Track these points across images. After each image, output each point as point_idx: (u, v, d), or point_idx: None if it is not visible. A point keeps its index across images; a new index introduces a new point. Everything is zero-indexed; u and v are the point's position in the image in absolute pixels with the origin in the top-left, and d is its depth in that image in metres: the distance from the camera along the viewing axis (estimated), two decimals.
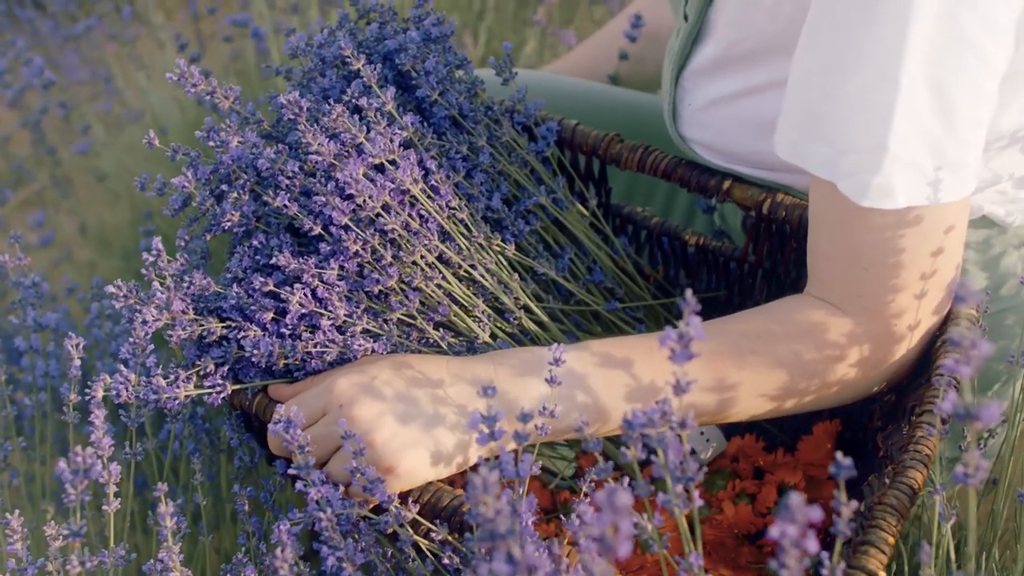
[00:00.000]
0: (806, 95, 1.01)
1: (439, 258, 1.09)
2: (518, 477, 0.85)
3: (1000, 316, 1.24)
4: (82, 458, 0.82)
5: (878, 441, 1.11)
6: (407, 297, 1.07)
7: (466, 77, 1.19)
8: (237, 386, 1.07)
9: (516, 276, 1.14)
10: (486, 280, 1.11)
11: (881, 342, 1.03)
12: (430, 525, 0.96)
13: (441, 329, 1.10)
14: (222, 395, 1.06)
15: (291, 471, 0.95)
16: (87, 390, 1.02)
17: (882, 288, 1.01)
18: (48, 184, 2.47)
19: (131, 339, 1.05)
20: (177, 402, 1.03)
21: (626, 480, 0.85)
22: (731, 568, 1.10)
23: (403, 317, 1.08)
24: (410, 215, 1.06)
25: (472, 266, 1.11)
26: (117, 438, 1.51)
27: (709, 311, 1.31)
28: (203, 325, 1.05)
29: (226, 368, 1.06)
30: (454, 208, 1.10)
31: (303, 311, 1.04)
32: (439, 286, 1.09)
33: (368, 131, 1.06)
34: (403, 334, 1.08)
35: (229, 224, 1.07)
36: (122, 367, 1.04)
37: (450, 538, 0.96)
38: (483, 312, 1.10)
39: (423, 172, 1.09)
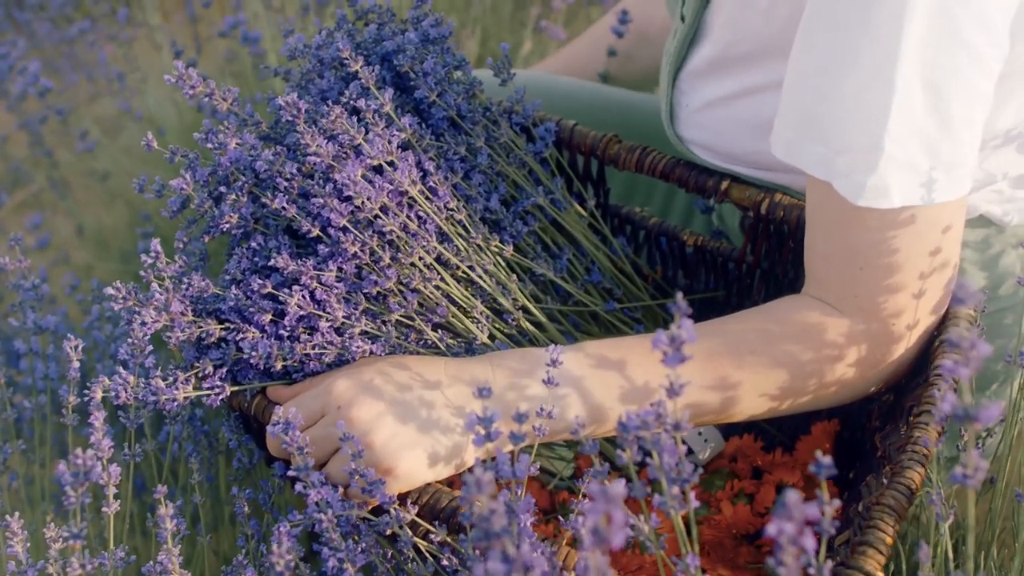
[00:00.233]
0: (801, 96, 1.01)
1: (437, 259, 1.10)
2: (515, 478, 0.85)
3: (998, 315, 1.24)
4: (82, 460, 0.82)
5: (876, 441, 1.11)
6: (405, 298, 1.07)
7: (464, 78, 1.19)
8: (236, 388, 1.07)
9: (514, 277, 1.14)
10: (484, 281, 1.12)
11: (879, 342, 1.03)
12: (429, 526, 0.96)
13: (439, 330, 1.10)
14: (221, 397, 1.06)
15: (291, 472, 0.95)
16: (86, 392, 1.02)
17: (878, 288, 1.01)
18: (45, 186, 2.47)
19: (130, 340, 1.05)
20: (176, 404, 1.03)
21: (623, 481, 0.85)
22: (730, 568, 1.10)
23: (401, 318, 1.08)
24: (408, 216, 1.07)
25: (470, 267, 1.11)
26: (115, 440, 1.51)
27: (707, 311, 1.32)
28: (202, 327, 1.05)
29: (225, 370, 1.06)
30: (452, 209, 1.10)
31: (301, 313, 1.04)
32: (437, 287, 1.09)
33: (366, 132, 1.06)
34: (401, 335, 1.08)
35: (227, 226, 1.08)
36: (121, 369, 1.04)
37: (449, 539, 0.96)
38: (481, 313, 1.11)
39: (421, 173, 1.09)
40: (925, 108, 0.94)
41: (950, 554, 0.93)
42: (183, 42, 2.35)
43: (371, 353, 1.06)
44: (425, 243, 1.07)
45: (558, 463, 1.21)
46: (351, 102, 1.08)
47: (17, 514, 0.96)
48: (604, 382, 1.01)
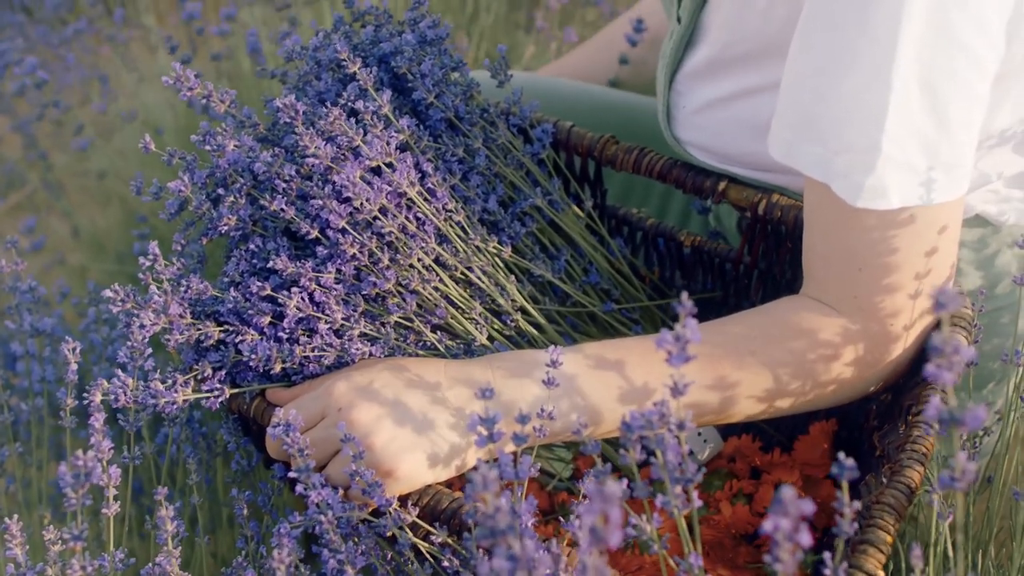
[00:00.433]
0: (799, 96, 1.01)
1: (436, 260, 1.10)
2: (517, 478, 0.85)
3: (995, 315, 1.24)
4: (83, 462, 0.82)
5: (875, 440, 1.11)
6: (404, 300, 1.07)
7: (462, 79, 1.19)
8: (235, 390, 1.07)
9: (513, 278, 1.14)
10: (483, 282, 1.12)
11: (877, 342, 1.03)
12: (429, 528, 0.96)
13: (438, 332, 1.10)
14: (220, 399, 1.06)
15: (291, 474, 0.95)
16: (84, 395, 1.02)
17: (877, 288, 1.01)
18: (39, 188, 2.47)
19: (129, 343, 1.05)
20: (175, 406, 1.03)
21: (624, 481, 0.85)
22: (729, 568, 1.11)
23: (400, 320, 1.08)
24: (407, 218, 1.07)
25: (469, 268, 1.11)
26: (113, 442, 1.50)
27: (705, 312, 1.32)
28: (200, 329, 1.05)
29: (224, 372, 1.06)
30: (451, 211, 1.10)
31: (300, 315, 1.04)
32: (436, 289, 1.09)
33: (365, 134, 1.06)
34: (400, 337, 1.08)
35: (226, 228, 1.07)
36: (119, 372, 1.04)
37: (449, 540, 0.96)
38: (480, 314, 1.11)
39: (420, 175, 1.09)
40: (922, 109, 0.95)
41: (950, 553, 0.93)
42: (177, 44, 2.34)
43: (370, 355, 1.06)
44: (424, 244, 1.07)
45: (557, 464, 1.22)
46: (349, 103, 1.08)
47: (16, 517, 0.96)
48: (603, 383, 1.01)
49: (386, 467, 0.96)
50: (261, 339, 1.05)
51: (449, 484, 1.06)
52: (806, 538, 0.63)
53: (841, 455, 0.74)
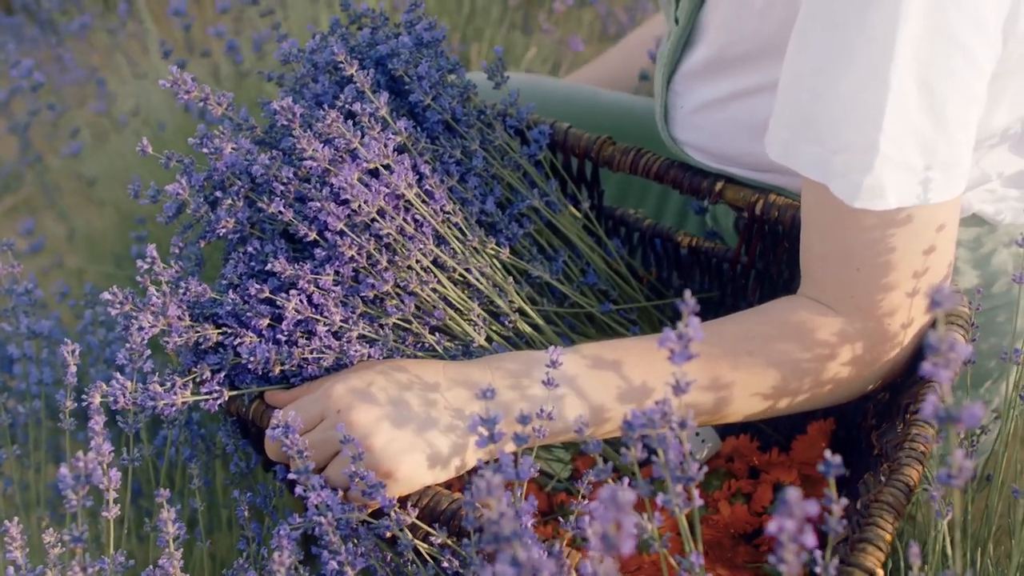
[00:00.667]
0: (797, 96, 1.01)
1: (434, 262, 1.10)
2: (518, 479, 0.85)
3: (991, 314, 1.24)
4: (83, 464, 0.82)
5: (872, 439, 1.11)
6: (403, 301, 1.07)
7: (458, 81, 1.19)
8: (234, 392, 1.07)
9: (511, 279, 1.14)
10: (481, 283, 1.12)
11: (875, 341, 1.03)
12: (429, 529, 0.97)
13: (437, 333, 1.10)
14: (219, 402, 1.06)
15: (291, 476, 0.96)
16: (83, 397, 1.02)
17: (875, 287, 1.01)
18: (35, 190, 2.47)
19: (127, 345, 1.05)
20: (174, 409, 1.03)
21: (625, 481, 0.85)
22: (728, 567, 1.11)
23: (399, 322, 1.08)
24: (405, 220, 1.07)
25: (467, 270, 1.11)
26: (112, 444, 1.51)
27: (702, 312, 1.31)
28: (199, 332, 1.05)
29: (222, 375, 1.06)
30: (448, 212, 1.11)
31: (299, 317, 1.04)
32: (434, 290, 1.09)
33: (362, 136, 1.06)
34: (399, 339, 1.09)
35: (224, 230, 1.08)
36: (118, 374, 1.04)
37: (449, 542, 0.96)
38: (478, 315, 1.11)
39: (417, 177, 1.09)
40: (920, 108, 0.95)
41: (949, 551, 0.93)
42: (173, 45, 2.33)
43: (369, 357, 1.06)
44: (422, 246, 1.07)
45: (555, 465, 1.22)
46: (346, 106, 1.08)
47: (16, 519, 0.96)
48: (603, 383, 1.01)
49: (385, 468, 0.97)
50: (260, 341, 1.05)
51: (448, 485, 1.07)
52: (810, 539, 0.63)
53: (828, 453, 0.75)
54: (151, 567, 0.96)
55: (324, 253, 1.06)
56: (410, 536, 0.96)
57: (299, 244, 1.11)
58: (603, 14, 2.69)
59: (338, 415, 0.98)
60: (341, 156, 1.04)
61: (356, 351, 1.05)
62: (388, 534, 0.96)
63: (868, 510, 0.91)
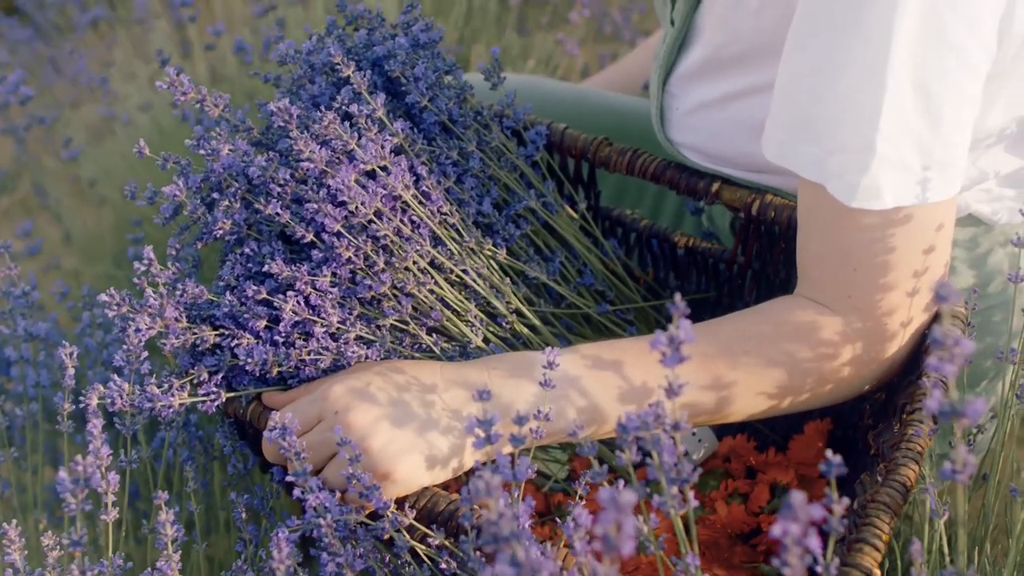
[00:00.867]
0: (793, 97, 1.01)
1: (431, 263, 1.10)
2: (515, 480, 0.85)
3: (988, 313, 1.25)
4: (83, 467, 0.82)
5: (869, 439, 1.12)
6: (400, 303, 1.07)
7: (455, 82, 1.19)
8: (231, 394, 1.08)
9: (507, 280, 1.14)
10: (478, 284, 1.12)
11: (873, 340, 1.03)
12: (426, 530, 0.97)
13: (434, 334, 1.10)
14: (217, 403, 1.06)
15: (289, 478, 0.96)
16: (81, 399, 1.02)
17: (872, 287, 1.01)
18: (31, 192, 2.47)
19: (125, 347, 1.05)
20: (172, 410, 1.03)
21: (621, 482, 0.85)
22: (725, 568, 1.11)
23: (396, 323, 1.08)
24: (402, 221, 1.07)
25: (464, 271, 1.11)
26: (109, 446, 1.50)
27: (699, 312, 1.32)
28: (196, 333, 1.05)
29: (220, 376, 1.07)
30: (445, 213, 1.11)
31: (296, 319, 1.04)
32: (431, 291, 1.09)
33: (359, 138, 1.06)
34: (396, 340, 1.09)
35: (221, 232, 1.08)
36: (115, 376, 1.04)
37: (447, 543, 0.96)
38: (475, 316, 1.11)
39: (414, 178, 1.09)
40: (916, 108, 0.95)
41: (945, 550, 0.93)
42: (168, 48, 2.34)
43: (366, 358, 1.06)
44: (419, 247, 1.08)
45: (552, 465, 1.22)
46: (343, 107, 1.09)
47: (15, 522, 0.96)
48: (600, 383, 1.01)
49: (383, 469, 0.97)
50: (257, 343, 1.05)
51: (445, 486, 1.07)
52: (814, 542, 0.63)
53: (829, 453, 0.75)
54: (149, 569, 0.96)
55: (321, 255, 1.06)
56: (407, 537, 0.96)
57: (296, 246, 1.11)
58: (598, 17, 2.69)
59: (336, 416, 0.99)
60: (338, 157, 1.05)
61: (353, 352, 1.05)
62: (386, 535, 0.96)
63: (865, 510, 0.91)
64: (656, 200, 1.54)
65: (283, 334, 1.05)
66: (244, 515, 1.12)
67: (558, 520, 0.99)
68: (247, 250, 1.08)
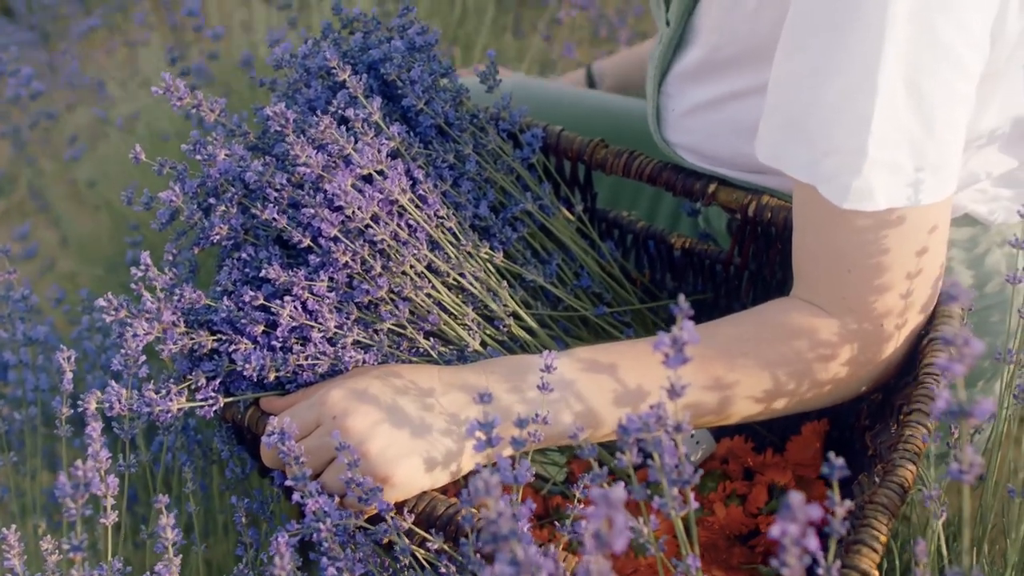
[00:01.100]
0: (786, 99, 1.01)
1: (428, 267, 1.10)
2: (516, 483, 0.85)
3: (985, 313, 1.25)
4: (82, 472, 0.82)
5: (866, 440, 1.12)
6: (397, 307, 1.07)
7: (451, 85, 1.19)
8: (229, 399, 1.08)
9: (504, 283, 1.14)
10: (475, 288, 1.12)
11: (869, 341, 1.03)
12: (425, 534, 0.97)
13: (431, 338, 1.10)
14: (214, 408, 1.06)
15: (288, 483, 0.96)
16: (79, 403, 1.02)
17: (867, 289, 1.01)
18: (27, 195, 2.46)
19: (123, 351, 1.05)
20: (170, 415, 1.03)
21: (621, 484, 0.85)
22: (723, 569, 1.11)
23: (393, 327, 1.08)
24: (399, 225, 1.07)
25: (461, 274, 1.11)
26: (108, 450, 1.50)
27: (696, 313, 1.32)
28: (194, 339, 1.05)
29: (218, 381, 1.07)
30: (442, 217, 1.11)
31: (294, 323, 1.04)
32: (428, 295, 1.10)
33: (355, 142, 1.06)
34: (394, 344, 1.09)
35: (218, 237, 1.08)
36: (113, 381, 1.04)
37: (445, 547, 0.96)
38: (473, 320, 1.11)
39: (411, 182, 1.10)
40: (909, 110, 0.95)
41: (944, 551, 0.94)
42: (176, 57, 2.34)
43: (364, 362, 1.06)
44: (416, 251, 1.08)
45: (551, 468, 1.22)
46: (339, 111, 1.09)
47: (14, 527, 0.96)
48: (598, 386, 1.02)
49: (382, 474, 0.97)
50: (255, 348, 1.05)
51: (443, 490, 1.07)
52: (813, 542, 0.63)
53: (831, 455, 0.75)
54: (148, 573, 0.96)
55: (318, 259, 1.06)
56: (407, 541, 0.96)
57: (293, 250, 1.11)
58: (593, 18, 2.69)
59: (334, 421, 0.99)
60: (334, 162, 1.05)
61: (351, 357, 1.05)
62: (385, 540, 0.96)
63: (863, 511, 0.91)
64: (652, 202, 1.54)
65: (280, 339, 1.05)
66: (244, 519, 1.12)
67: (556, 523, 0.99)
68: (244, 255, 1.09)
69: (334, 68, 1.10)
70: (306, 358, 1.05)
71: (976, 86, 0.98)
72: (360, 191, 1.04)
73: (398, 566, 0.98)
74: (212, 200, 1.09)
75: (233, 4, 2.54)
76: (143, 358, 1.05)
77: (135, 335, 1.03)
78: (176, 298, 1.05)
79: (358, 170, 1.04)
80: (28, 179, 2.42)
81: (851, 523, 0.94)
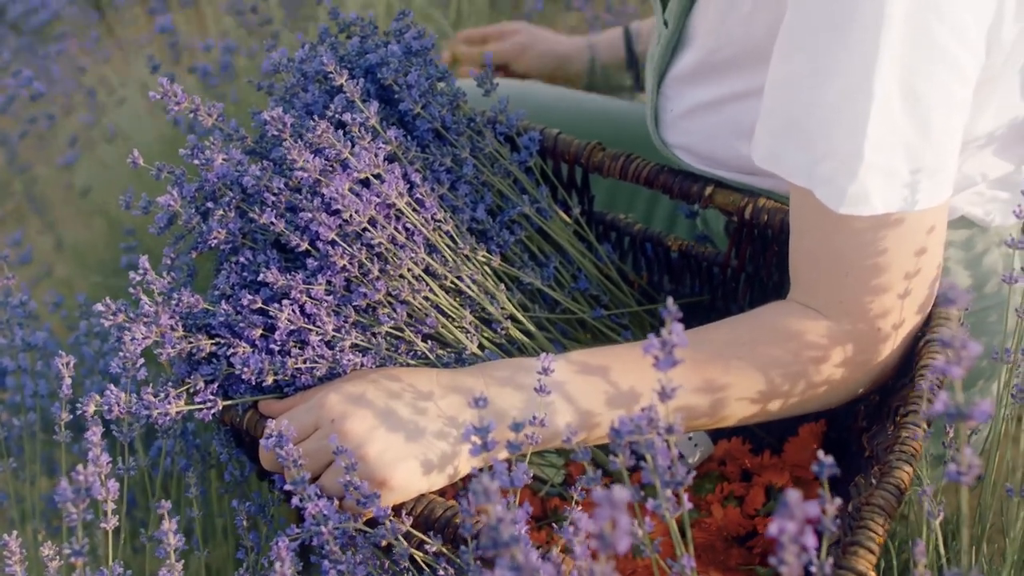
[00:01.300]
0: (782, 102, 1.02)
1: (425, 270, 1.10)
2: (512, 486, 0.85)
3: (983, 314, 1.25)
4: (83, 477, 0.82)
5: (863, 441, 1.12)
6: (395, 310, 1.08)
7: (448, 89, 1.19)
8: (227, 402, 1.08)
9: (502, 286, 1.15)
10: (472, 291, 1.12)
11: (866, 343, 1.04)
12: (424, 537, 0.97)
13: (429, 341, 1.11)
14: (213, 411, 1.06)
15: (287, 487, 0.96)
16: (78, 408, 1.02)
17: (864, 292, 1.02)
18: (23, 201, 2.46)
19: (121, 354, 1.05)
20: (168, 418, 1.04)
21: (624, 486, 0.86)
22: (721, 570, 1.11)
23: (391, 330, 1.09)
24: (396, 228, 1.07)
25: (458, 277, 1.12)
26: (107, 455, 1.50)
27: (693, 316, 1.33)
28: (192, 342, 1.06)
29: (216, 385, 1.07)
30: (439, 220, 1.11)
31: (292, 327, 1.05)
32: (426, 298, 1.10)
33: (353, 146, 1.06)
34: (391, 347, 1.09)
35: (216, 241, 1.08)
36: (111, 385, 1.04)
37: (444, 549, 0.96)
38: (470, 323, 1.11)
39: (408, 185, 1.10)
40: (904, 114, 0.95)
41: (942, 551, 0.94)
42: (159, 58, 2.33)
43: (362, 365, 1.07)
44: (413, 254, 1.08)
45: (549, 470, 1.22)
46: (336, 116, 1.09)
47: (15, 533, 0.96)
48: (594, 389, 1.02)
49: (380, 477, 0.97)
50: (253, 351, 1.05)
51: (441, 492, 1.07)
52: (811, 540, 0.64)
53: (821, 453, 0.75)
54: None
55: (316, 263, 1.06)
56: (405, 544, 0.96)
57: (291, 254, 1.11)
58: (589, 18, 2.69)
59: (332, 424, 0.99)
60: (332, 166, 1.05)
61: (349, 360, 1.06)
62: (384, 543, 0.96)
63: (860, 513, 0.91)
64: (649, 204, 1.54)
65: (279, 342, 1.05)
66: (245, 523, 1.12)
67: (554, 525, 1.00)
68: (242, 259, 1.09)
69: (331, 72, 1.10)
70: (304, 361, 1.05)
71: (973, 90, 0.98)
72: (357, 195, 1.05)
73: (397, 568, 0.98)
74: (210, 204, 1.09)
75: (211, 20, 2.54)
76: (141, 362, 1.05)
77: (133, 339, 1.04)
78: (174, 302, 1.06)
79: (355, 174, 1.05)
80: (24, 184, 2.42)
81: (848, 524, 0.94)
